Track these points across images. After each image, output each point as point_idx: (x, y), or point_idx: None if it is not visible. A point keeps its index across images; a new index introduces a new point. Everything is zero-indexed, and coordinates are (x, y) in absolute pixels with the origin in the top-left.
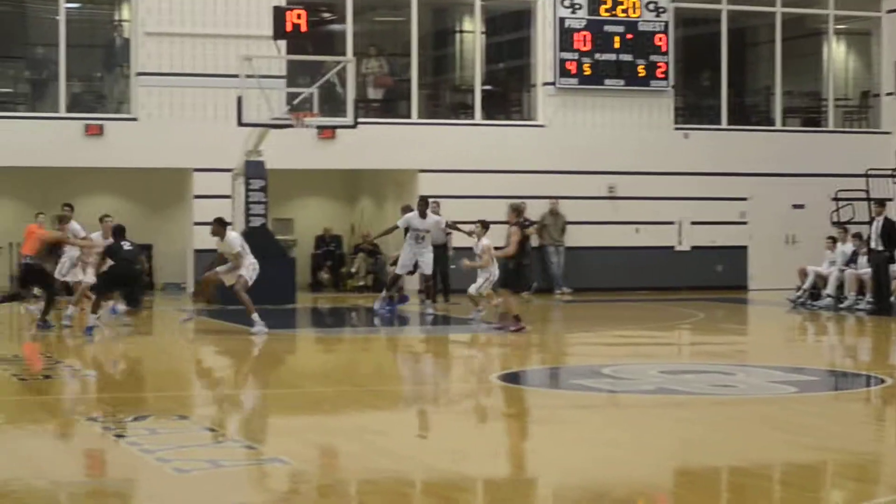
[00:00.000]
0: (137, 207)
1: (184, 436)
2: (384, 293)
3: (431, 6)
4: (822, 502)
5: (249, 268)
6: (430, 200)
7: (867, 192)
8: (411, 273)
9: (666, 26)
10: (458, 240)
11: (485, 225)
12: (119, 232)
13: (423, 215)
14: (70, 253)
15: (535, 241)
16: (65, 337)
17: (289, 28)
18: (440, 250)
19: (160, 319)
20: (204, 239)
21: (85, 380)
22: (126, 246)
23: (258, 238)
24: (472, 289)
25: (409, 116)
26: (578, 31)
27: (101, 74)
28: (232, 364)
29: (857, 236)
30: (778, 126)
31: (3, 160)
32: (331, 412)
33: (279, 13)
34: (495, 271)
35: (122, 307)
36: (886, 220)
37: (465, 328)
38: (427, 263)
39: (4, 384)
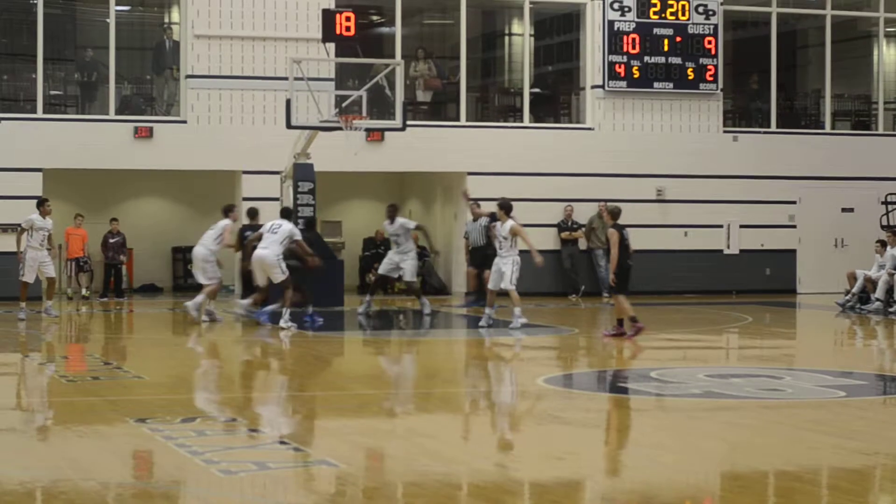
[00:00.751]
0: (186, 210)
1: (231, 437)
2: (368, 296)
3: (480, 8)
4: None
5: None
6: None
7: None
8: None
9: (715, 29)
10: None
11: (504, 207)
12: (309, 225)
13: (390, 220)
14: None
15: (583, 245)
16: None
17: (338, 31)
18: (482, 251)
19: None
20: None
21: (133, 381)
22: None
23: (307, 240)
24: (507, 282)
25: (457, 119)
26: (627, 33)
27: (150, 77)
28: (280, 366)
29: None
30: (827, 129)
31: (53, 162)
32: (378, 414)
33: (328, 16)
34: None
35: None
36: None
37: (505, 331)
38: (408, 270)
39: (53, 385)
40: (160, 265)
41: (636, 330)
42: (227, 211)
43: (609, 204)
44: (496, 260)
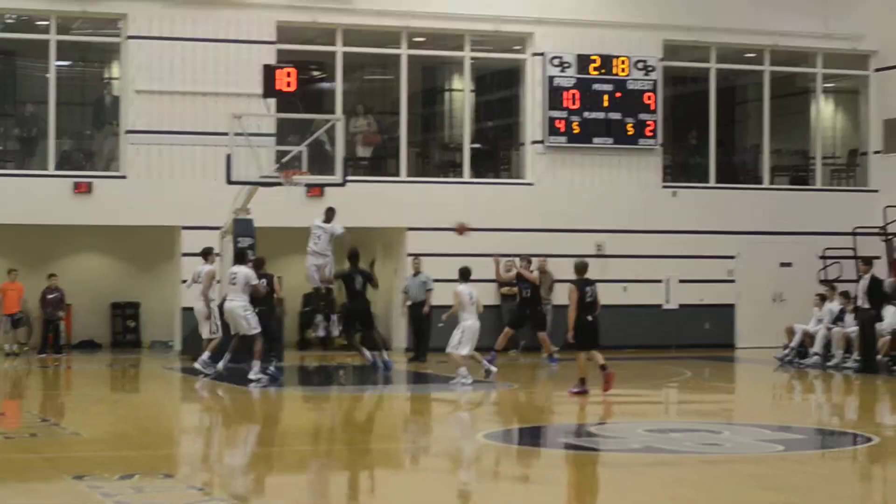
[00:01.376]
0: (125, 265)
1: (170, 494)
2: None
3: (421, 64)
4: None
5: None
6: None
7: (854, 250)
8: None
9: (654, 85)
10: (438, 297)
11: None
12: (353, 258)
13: (327, 220)
14: None
15: None
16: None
17: (278, 86)
18: (420, 307)
19: (147, 377)
20: (192, 297)
21: (71, 438)
22: (358, 282)
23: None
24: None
25: (397, 174)
26: (567, 89)
27: (90, 132)
28: (219, 422)
29: (845, 294)
30: (766, 184)
31: None
32: (316, 470)
33: (269, 71)
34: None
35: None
36: (873, 278)
37: (447, 387)
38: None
39: None
40: (99, 321)
41: (579, 391)
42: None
43: (577, 260)
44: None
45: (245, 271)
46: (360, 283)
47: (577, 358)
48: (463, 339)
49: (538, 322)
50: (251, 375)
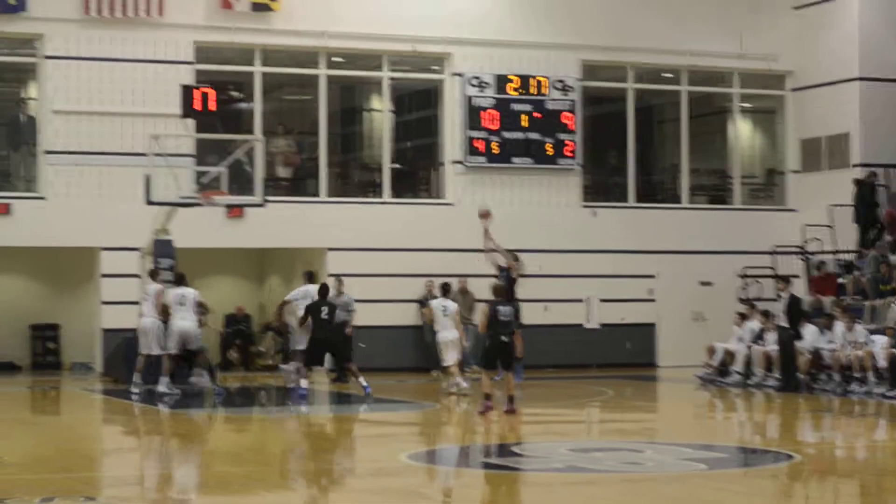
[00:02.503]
0: (45, 287)
1: None
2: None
3: (339, 84)
4: None
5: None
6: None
7: (773, 268)
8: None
9: (573, 105)
10: (359, 317)
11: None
12: (323, 292)
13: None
14: None
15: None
16: None
17: (197, 106)
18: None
19: (68, 399)
20: (112, 318)
21: None
22: (324, 312)
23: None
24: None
25: (317, 195)
26: (486, 109)
27: (7, 153)
28: (140, 444)
29: (765, 313)
30: (685, 203)
31: None
32: (239, 493)
33: (187, 91)
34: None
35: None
36: (792, 296)
37: (374, 406)
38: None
39: None
40: (18, 343)
41: (485, 408)
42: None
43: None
44: None
45: (192, 292)
46: (325, 313)
47: (482, 376)
48: (445, 351)
49: None
50: (162, 388)
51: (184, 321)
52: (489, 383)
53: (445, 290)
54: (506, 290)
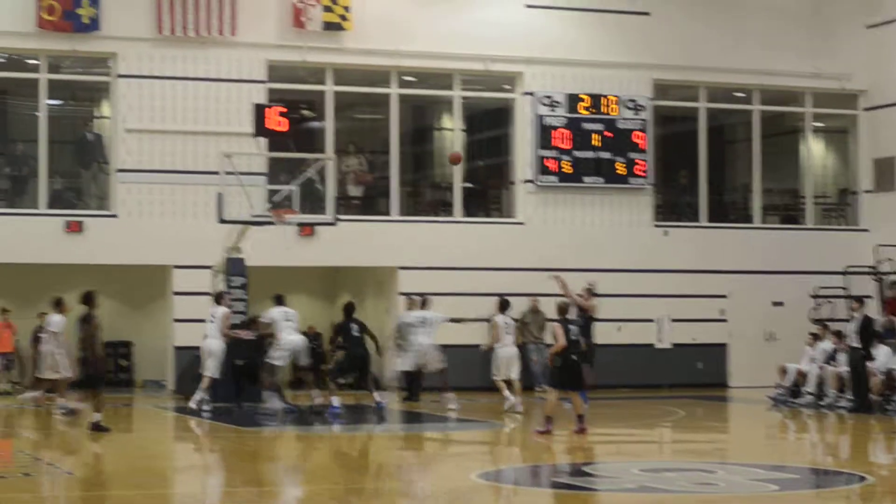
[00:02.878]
0: (117, 304)
1: None
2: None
3: (411, 103)
4: None
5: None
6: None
7: (846, 289)
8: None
9: (645, 124)
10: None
11: None
12: (349, 311)
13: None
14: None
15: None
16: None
17: (269, 125)
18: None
19: (140, 416)
20: (184, 335)
21: (64, 477)
22: (354, 329)
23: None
24: None
25: (388, 213)
26: (557, 128)
27: (77, 171)
28: (213, 462)
29: (837, 333)
30: (757, 223)
31: None
32: None
33: (260, 110)
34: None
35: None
36: (865, 317)
37: (443, 426)
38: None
39: None
40: None
41: (544, 429)
42: (219, 298)
43: (558, 299)
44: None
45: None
46: (356, 330)
47: (548, 395)
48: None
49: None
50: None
51: (293, 336)
52: (553, 404)
53: (504, 306)
54: (582, 327)
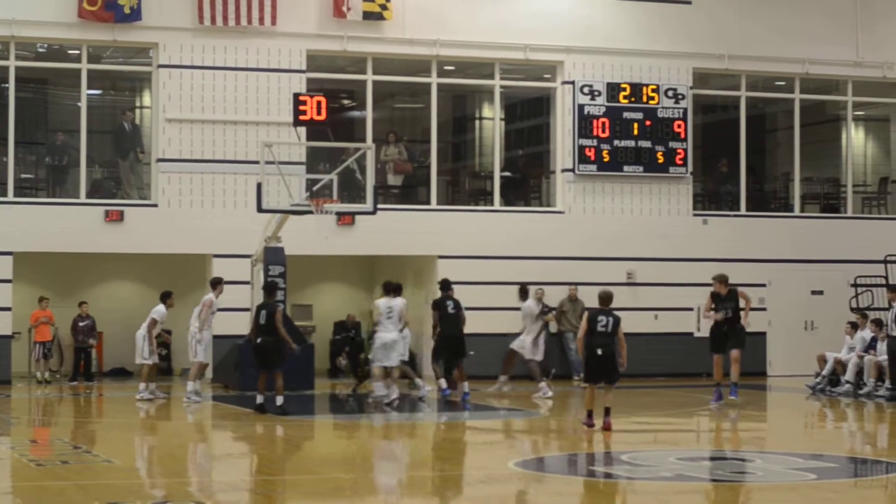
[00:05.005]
0: (156, 293)
1: None
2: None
3: (451, 93)
4: None
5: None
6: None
7: (886, 277)
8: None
9: (685, 113)
10: (470, 325)
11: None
12: (445, 285)
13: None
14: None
15: (553, 328)
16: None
17: (309, 115)
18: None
19: (178, 405)
20: (223, 324)
21: (103, 465)
22: (450, 307)
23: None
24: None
25: (428, 202)
26: (597, 117)
27: (116, 160)
28: (250, 450)
29: (877, 322)
30: (797, 212)
31: (23, 245)
32: (350, 499)
33: (299, 100)
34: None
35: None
36: None
37: (481, 414)
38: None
39: (22, 469)
40: (130, 349)
41: (587, 423)
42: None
43: (600, 289)
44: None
45: (400, 303)
46: (452, 307)
47: (587, 389)
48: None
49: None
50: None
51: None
52: (591, 398)
53: (524, 293)
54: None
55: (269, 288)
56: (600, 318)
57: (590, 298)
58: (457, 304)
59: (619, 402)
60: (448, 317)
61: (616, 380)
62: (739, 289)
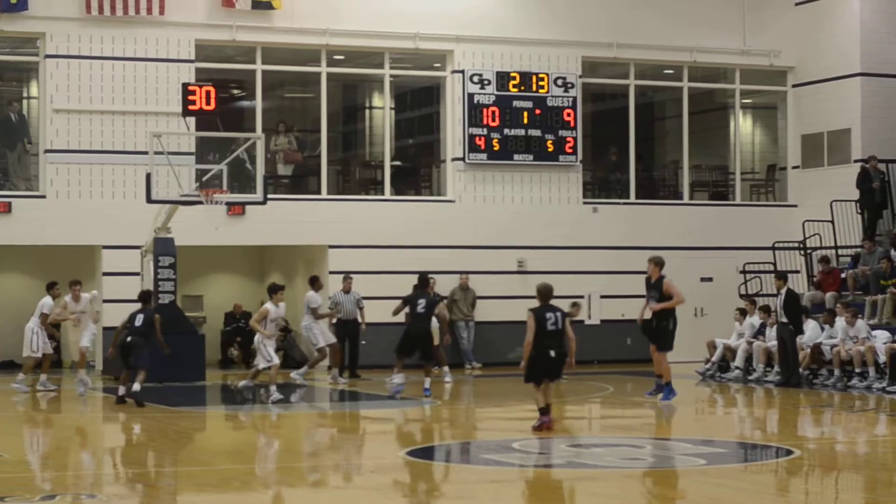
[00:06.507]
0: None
1: None
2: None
3: (341, 82)
4: None
5: None
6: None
7: (774, 264)
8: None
9: (574, 101)
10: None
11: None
12: (422, 283)
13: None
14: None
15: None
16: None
17: (198, 105)
18: (353, 324)
19: (68, 398)
20: (113, 316)
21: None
22: (420, 306)
23: (167, 315)
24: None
25: (318, 192)
26: (487, 106)
27: (3, 151)
28: (142, 442)
29: (765, 309)
30: (686, 200)
31: None
32: (240, 490)
33: (188, 90)
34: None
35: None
36: (789, 292)
37: (374, 403)
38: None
39: None
40: (20, 341)
41: (540, 423)
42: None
43: (538, 283)
44: None
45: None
46: (422, 306)
47: (533, 393)
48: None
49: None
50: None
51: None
52: (541, 398)
53: (423, 283)
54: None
55: (145, 297)
56: (548, 315)
57: (481, 287)
58: (430, 305)
59: (512, 389)
60: (416, 315)
61: (560, 377)
62: (666, 280)
